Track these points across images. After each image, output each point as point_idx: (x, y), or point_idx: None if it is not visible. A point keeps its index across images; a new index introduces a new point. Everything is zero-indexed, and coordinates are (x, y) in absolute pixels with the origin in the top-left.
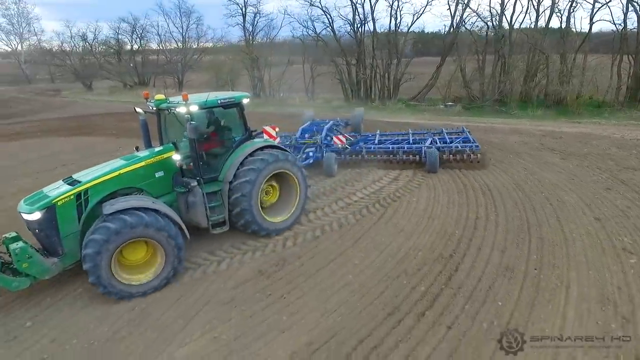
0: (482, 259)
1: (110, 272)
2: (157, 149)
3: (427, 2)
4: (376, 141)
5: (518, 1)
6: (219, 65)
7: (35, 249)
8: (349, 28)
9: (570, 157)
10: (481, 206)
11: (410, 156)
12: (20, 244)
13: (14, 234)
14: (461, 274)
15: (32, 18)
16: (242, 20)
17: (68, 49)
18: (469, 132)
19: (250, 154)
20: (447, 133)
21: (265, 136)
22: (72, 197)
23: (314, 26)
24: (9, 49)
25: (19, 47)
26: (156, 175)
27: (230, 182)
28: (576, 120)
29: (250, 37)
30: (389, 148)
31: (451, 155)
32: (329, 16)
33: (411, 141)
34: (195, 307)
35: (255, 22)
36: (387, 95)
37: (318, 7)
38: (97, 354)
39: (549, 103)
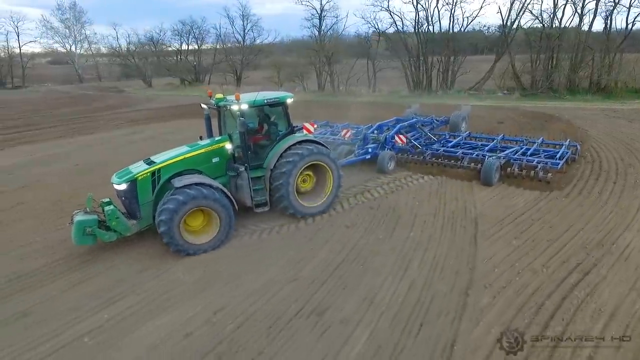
0: (612, 162)
1: (179, 233)
2: (215, 139)
3: (481, 6)
4: (451, 144)
5: (569, 5)
6: (280, 63)
7: (122, 212)
8: (412, 29)
9: (634, 121)
10: (592, 142)
11: (472, 164)
12: (111, 207)
13: (107, 200)
14: (605, 166)
15: (85, 22)
16: (317, 23)
17: (133, 49)
18: (573, 146)
19: (290, 147)
20: (541, 143)
21: (305, 132)
22: (148, 174)
23: (377, 26)
24: (64, 51)
25: (73, 49)
26: (213, 161)
27: (272, 170)
28: (621, 102)
29: (324, 37)
30: (456, 153)
31: (516, 169)
32: (399, 17)
33: (487, 148)
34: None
35: (332, 25)
36: (446, 87)
37: (387, 10)
38: (420, 207)
39: (593, 90)
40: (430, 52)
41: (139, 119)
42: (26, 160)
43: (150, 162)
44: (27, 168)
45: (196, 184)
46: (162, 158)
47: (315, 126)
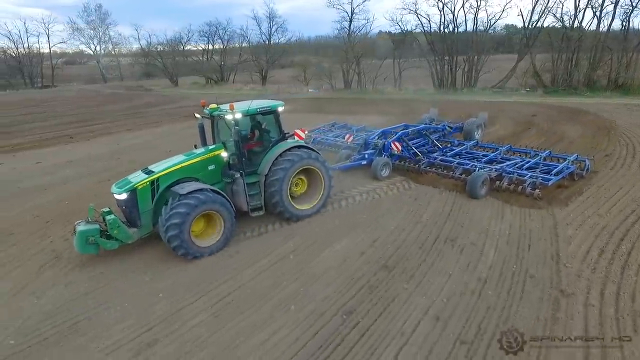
0: None
1: (189, 235)
2: (210, 147)
3: (503, 9)
4: (451, 153)
5: (588, 8)
6: (306, 63)
7: (122, 221)
8: (437, 29)
9: None
10: (622, 130)
11: (463, 175)
12: (112, 216)
13: (107, 209)
14: (638, 148)
15: (109, 23)
16: (347, 25)
17: (160, 49)
18: (582, 161)
19: (282, 153)
20: (546, 157)
21: (296, 138)
22: (148, 183)
23: (402, 28)
24: (90, 52)
25: (98, 49)
26: (209, 168)
27: (266, 176)
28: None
29: (354, 38)
30: (451, 163)
31: (505, 183)
32: (426, 19)
33: (486, 159)
34: None
35: (362, 27)
36: (470, 85)
37: (415, 13)
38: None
39: (612, 87)
40: (454, 52)
41: (190, 114)
42: (118, 148)
43: (148, 172)
44: (126, 153)
45: (198, 190)
46: (160, 167)
47: (306, 132)
